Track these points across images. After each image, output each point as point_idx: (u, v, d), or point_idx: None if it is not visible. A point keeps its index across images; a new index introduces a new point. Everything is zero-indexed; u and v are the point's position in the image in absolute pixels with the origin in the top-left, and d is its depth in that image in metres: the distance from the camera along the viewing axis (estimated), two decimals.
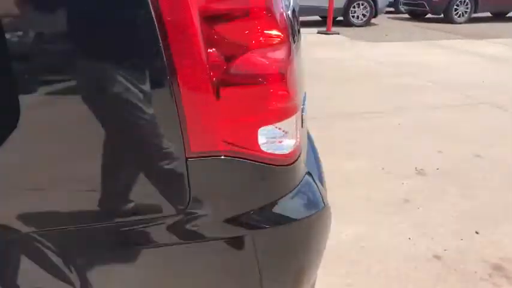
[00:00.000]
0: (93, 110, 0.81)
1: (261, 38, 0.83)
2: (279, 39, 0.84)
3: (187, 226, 0.91)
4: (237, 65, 0.82)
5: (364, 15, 10.86)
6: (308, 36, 9.09)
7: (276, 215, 0.96)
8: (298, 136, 0.97)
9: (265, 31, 0.83)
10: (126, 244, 0.92)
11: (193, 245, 0.92)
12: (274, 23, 0.83)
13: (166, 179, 0.87)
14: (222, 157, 0.87)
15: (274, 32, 0.83)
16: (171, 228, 0.91)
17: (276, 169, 0.93)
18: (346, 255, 2.08)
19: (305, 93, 1.33)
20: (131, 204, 0.89)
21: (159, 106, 0.82)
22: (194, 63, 0.79)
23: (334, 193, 2.71)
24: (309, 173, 1.07)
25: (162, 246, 0.91)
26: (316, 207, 1.02)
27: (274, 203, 0.96)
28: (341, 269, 1.99)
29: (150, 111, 0.82)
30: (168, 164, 0.85)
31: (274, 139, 0.91)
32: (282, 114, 0.90)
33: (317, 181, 1.08)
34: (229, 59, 0.82)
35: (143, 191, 0.88)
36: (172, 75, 0.79)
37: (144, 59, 0.80)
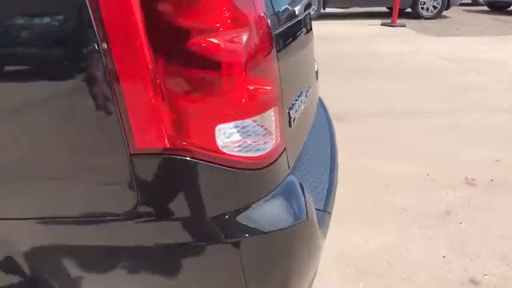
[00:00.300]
0: (30, 107, 0.74)
1: (216, 23, 0.70)
2: (237, 23, 0.71)
3: (135, 229, 0.81)
4: (182, 51, 0.70)
5: (434, 7, 10.03)
6: (370, 28, 8.69)
7: (239, 225, 0.83)
8: (276, 137, 0.84)
9: (221, 15, 0.70)
10: (71, 246, 0.85)
11: (141, 250, 0.82)
12: (229, 6, 0.70)
13: (110, 177, 0.78)
14: (173, 156, 0.76)
15: (231, 16, 0.70)
16: (117, 230, 0.82)
17: (240, 173, 0.80)
18: (367, 268, 1.89)
19: (308, 89, 1.19)
20: (75, 205, 0.81)
21: (97, 98, 0.73)
22: (133, 51, 0.69)
23: (365, 198, 2.56)
24: (292, 180, 0.93)
25: (109, 249, 0.83)
26: (293, 219, 0.87)
27: (237, 212, 0.83)
28: (358, 283, 1.81)
29: (89, 104, 0.73)
30: (111, 161, 0.76)
31: (240, 139, 0.78)
32: (248, 111, 0.77)
33: (299, 190, 0.93)
34: (174, 44, 0.70)
35: (87, 190, 0.80)
36: (110, 64, 0.70)
37: (80, 49, 0.71)
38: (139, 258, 0.83)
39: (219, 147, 0.77)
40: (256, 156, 0.81)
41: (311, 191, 1.18)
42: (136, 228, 0.81)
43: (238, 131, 0.78)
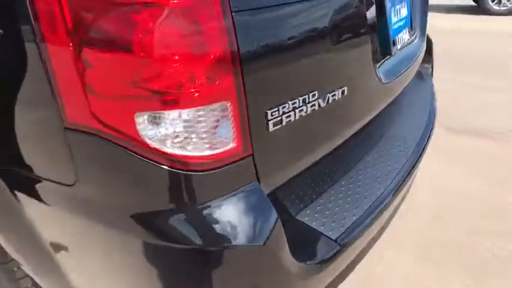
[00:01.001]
0: None
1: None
2: None
3: (75, 204, 0.81)
4: (102, 25, 0.64)
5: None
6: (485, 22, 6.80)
7: (155, 227, 0.74)
8: (227, 139, 0.73)
9: None
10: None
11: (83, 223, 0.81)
12: None
13: (49, 149, 0.80)
14: (98, 137, 0.72)
15: None
16: (60, 202, 0.82)
17: (166, 170, 0.71)
18: None
19: (338, 89, 1.03)
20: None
21: (29, 69, 0.74)
22: (55, 21, 0.67)
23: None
24: (254, 192, 0.78)
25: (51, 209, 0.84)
26: (232, 239, 0.72)
27: (160, 212, 0.73)
28: None
29: (22, 75, 0.74)
30: (47, 132, 0.78)
31: (167, 132, 0.69)
32: (178, 102, 0.67)
33: (261, 203, 0.78)
34: (95, 17, 0.64)
35: (28, 158, 0.83)
36: (38, 34, 0.70)
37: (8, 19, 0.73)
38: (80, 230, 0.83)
39: (142, 137, 0.69)
40: (191, 156, 0.71)
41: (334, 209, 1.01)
42: (72, 201, 0.80)
43: (165, 123, 0.69)
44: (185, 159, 0.71)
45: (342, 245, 0.94)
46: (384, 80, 1.20)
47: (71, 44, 0.67)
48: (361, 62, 1.07)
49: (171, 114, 0.68)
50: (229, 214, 0.75)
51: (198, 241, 0.73)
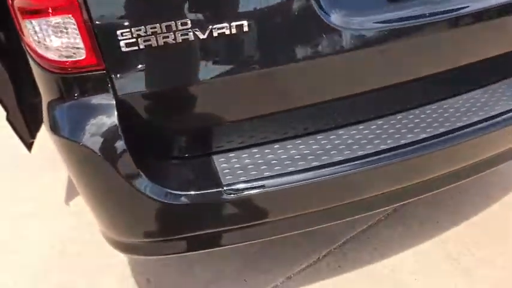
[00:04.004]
0: None
1: None
2: None
3: None
4: None
5: None
6: None
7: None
8: (80, 50, 0.85)
9: None
10: None
11: None
12: None
13: None
14: None
15: None
16: None
17: (39, 68, 0.93)
18: None
19: None
20: None
21: None
22: None
23: None
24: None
25: None
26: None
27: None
28: None
29: None
30: None
31: (37, 38, 0.87)
32: (41, 13, 0.83)
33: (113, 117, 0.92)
34: None
35: None
36: None
37: None
38: None
39: (28, 40, 0.90)
40: (52, 59, 0.89)
41: None
42: None
43: (33, 29, 0.88)
44: (50, 62, 0.90)
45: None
46: (334, 21, 0.97)
47: None
48: None
49: (33, 22, 0.88)
50: (78, 115, 0.93)
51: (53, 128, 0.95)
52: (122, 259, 1.77)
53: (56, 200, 2.08)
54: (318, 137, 1.11)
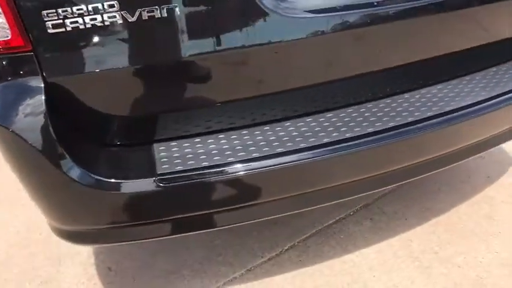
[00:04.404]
0: None
1: None
2: None
3: None
4: None
5: None
6: None
7: None
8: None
9: None
10: None
11: None
12: None
13: None
14: None
15: None
16: None
17: None
18: None
19: None
20: None
21: None
22: None
23: None
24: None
25: None
26: None
27: None
28: None
29: None
30: None
31: None
32: None
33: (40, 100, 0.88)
34: None
35: None
36: None
37: None
38: None
39: None
40: None
41: None
42: None
43: None
44: None
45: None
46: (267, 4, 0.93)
47: None
48: None
49: None
50: (5, 98, 0.90)
51: None
52: (86, 247, 1.78)
53: (20, 187, 2.08)
54: (265, 128, 1.09)
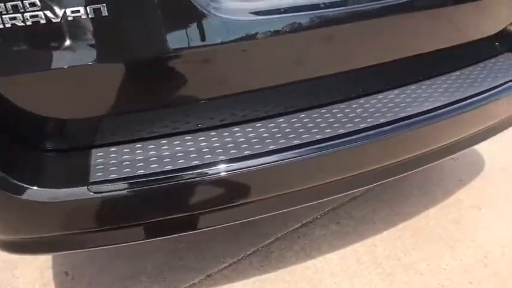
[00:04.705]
0: None
1: None
2: None
3: None
4: None
5: None
6: None
7: None
8: None
9: None
10: None
11: None
12: None
13: None
14: None
15: None
16: None
17: None
18: None
19: None
20: None
21: None
22: None
23: None
24: None
25: None
26: None
27: None
28: None
29: None
30: None
31: None
32: None
33: None
34: None
35: None
36: None
37: None
38: None
39: None
40: None
41: None
42: None
43: None
44: None
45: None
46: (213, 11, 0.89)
47: None
48: None
49: None
50: None
51: None
52: None
53: None
54: (211, 134, 1.04)
